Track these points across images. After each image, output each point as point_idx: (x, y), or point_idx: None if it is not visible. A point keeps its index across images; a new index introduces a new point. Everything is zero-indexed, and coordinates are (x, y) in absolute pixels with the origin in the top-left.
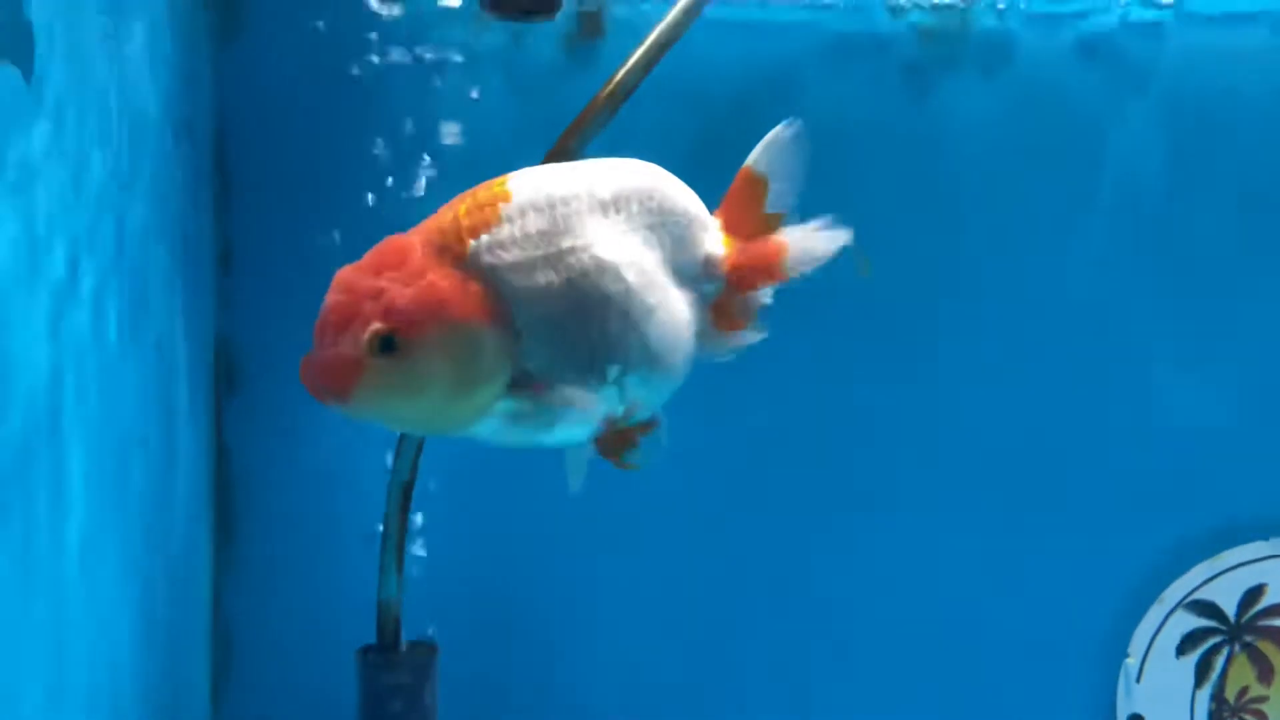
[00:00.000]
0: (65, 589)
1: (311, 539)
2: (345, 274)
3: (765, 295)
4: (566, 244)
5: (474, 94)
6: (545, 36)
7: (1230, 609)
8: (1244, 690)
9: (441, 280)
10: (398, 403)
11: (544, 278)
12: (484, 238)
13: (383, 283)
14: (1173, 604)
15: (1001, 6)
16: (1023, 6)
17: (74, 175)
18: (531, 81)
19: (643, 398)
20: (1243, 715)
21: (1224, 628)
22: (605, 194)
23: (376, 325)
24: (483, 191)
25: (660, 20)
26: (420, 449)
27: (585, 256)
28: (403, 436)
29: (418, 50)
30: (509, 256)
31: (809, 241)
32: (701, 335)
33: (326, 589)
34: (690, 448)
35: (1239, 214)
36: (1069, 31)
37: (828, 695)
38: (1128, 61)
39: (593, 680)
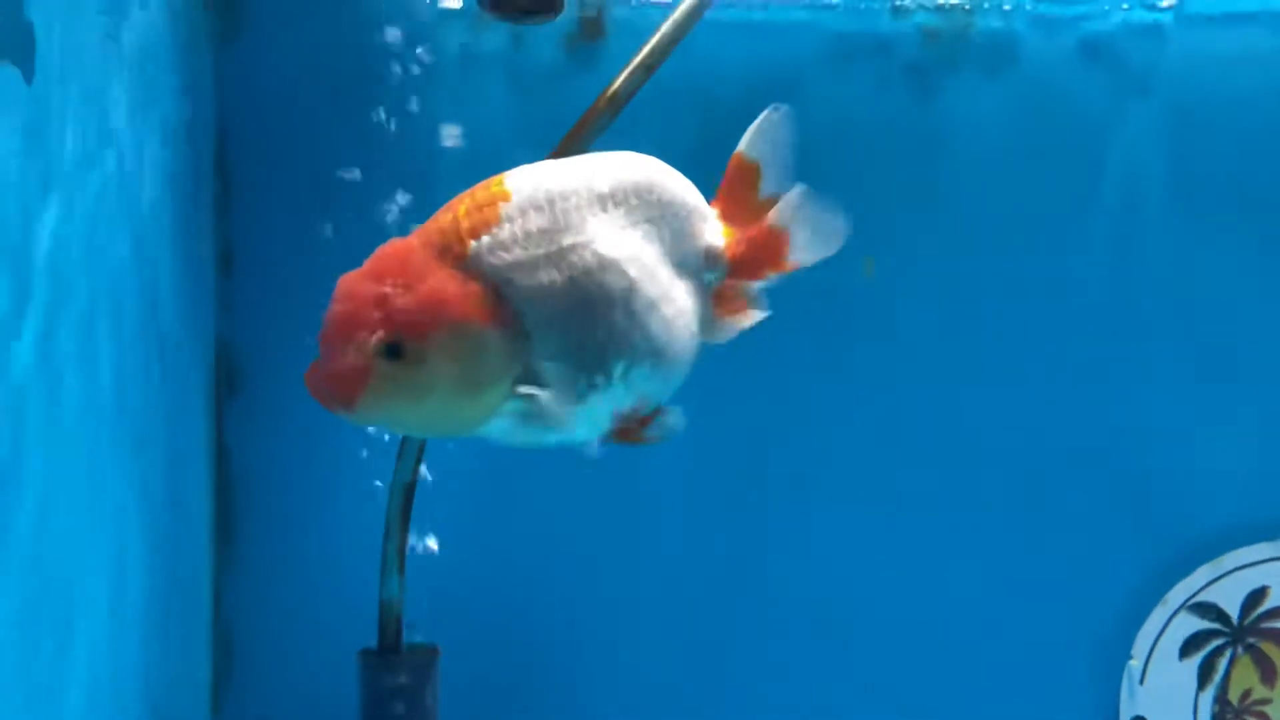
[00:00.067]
0: (65, 589)
1: (312, 540)
2: (347, 281)
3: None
4: (568, 241)
5: (475, 96)
6: (546, 38)
7: (1233, 611)
8: (1247, 692)
9: (443, 283)
10: (405, 408)
11: (546, 276)
12: (484, 238)
13: (385, 288)
14: (1176, 606)
15: (1007, 8)
16: (1025, 8)
17: (74, 176)
18: (532, 83)
19: (650, 390)
20: (1246, 717)
21: (1227, 630)
22: (604, 188)
23: (380, 332)
24: (481, 191)
25: (662, 22)
26: (422, 450)
27: (587, 253)
28: (404, 437)
29: (418, 51)
30: (510, 256)
31: (815, 233)
32: (704, 321)
33: (327, 590)
34: (691, 448)
35: (1240, 215)
36: (1070, 33)
37: (830, 697)
38: (1129, 63)
39: (594, 681)
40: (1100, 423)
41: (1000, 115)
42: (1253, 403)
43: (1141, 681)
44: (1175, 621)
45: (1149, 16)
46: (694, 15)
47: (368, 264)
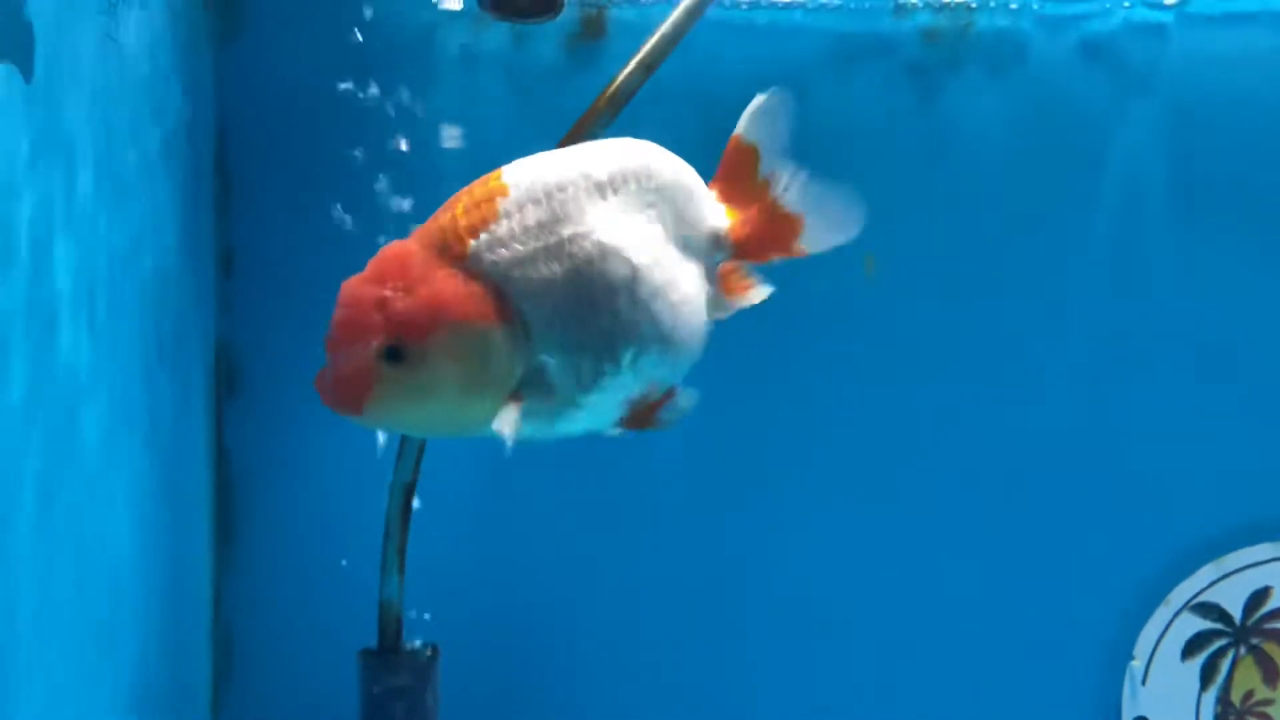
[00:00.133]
0: (66, 590)
1: (312, 541)
2: (349, 286)
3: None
4: (567, 232)
5: (476, 95)
6: (546, 37)
7: (1236, 611)
8: (1250, 693)
9: (443, 283)
10: (411, 409)
11: (548, 269)
12: (483, 236)
13: (385, 292)
14: (1178, 606)
15: (1013, 7)
16: (1026, 8)
17: (73, 177)
18: (533, 82)
19: (660, 376)
20: (1248, 718)
21: (1230, 630)
22: (602, 176)
23: (382, 336)
24: (479, 188)
25: (661, 21)
26: (422, 450)
27: (587, 243)
28: (404, 437)
29: (419, 51)
30: (510, 252)
31: (829, 221)
32: (709, 301)
33: (327, 590)
34: (692, 447)
35: (1242, 214)
36: (1072, 32)
37: (830, 697)
38: (1130, 62)
39: (594, 681)
40: (1102, 422)
41: (1001, 114)
42: (1255, 402)
43: (1144, 682)
44: (1178, 622)
45: (1151, 16)
46: (694, 14)
47: (369, 268)
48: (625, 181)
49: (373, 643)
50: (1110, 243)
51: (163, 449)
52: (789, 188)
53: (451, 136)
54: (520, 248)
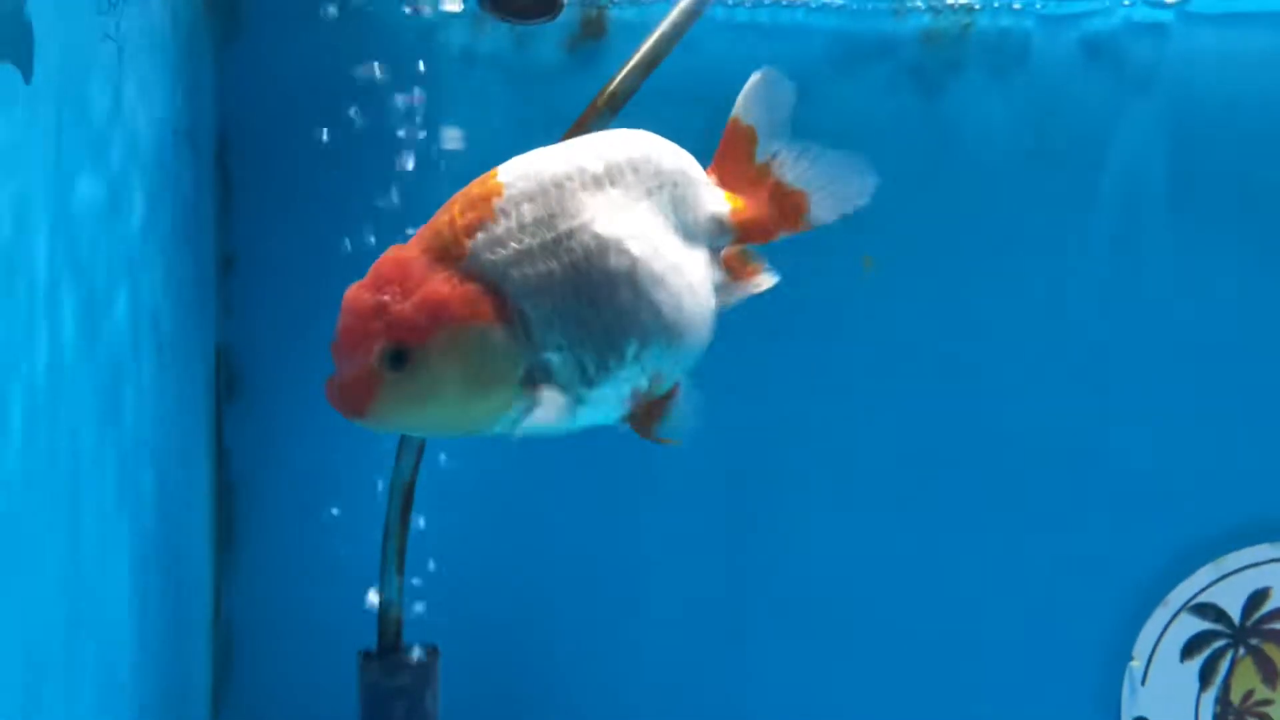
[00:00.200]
0: (66, 592)
1: (312, 542)
2: (350, 294)
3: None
4: (564, 228)
5: (476, 96)
6: (547, 38)
7: (1235, 612)
8: (1249, 693)
9: (441, 286)
10: (417, 412)
11: (546, 266)
12: (480, 236)
13: (385, 297)
14: (1177, 607)
15: (1016, 7)
16: (1026, 7)
17: (74, 179)
18: (533, 83)
19: (666, 368)
20: (1248, 718)
21: (1229, 631)
22: (598, 169)
23: (383, 341)
24: (475, 188)
25: (661, 21)
26: (421, 451)
27: (585, 237)
28: (403, 439)
29: (420, 51)
30: (508, 251)
31: (834, 189)
32: (716, 289)
33: (327, 592)
34: (692, 448)
35: (1243, 214)
36: (1072, 31)
37: (830, 698)
38: (1131, 62)
39: (595, 682)
40: (1101, 422)
41: (1002, 114)
42: (1254, 403)
43: (1143, 683)
44: (1177, 622)
45: (1151, 15)
46: (694, 14)
47: (369, 275)
48: (622, 173)
49: (372, 644)
50: (1110, 242)
51: (163, 451)
52: (790, 164)
53: (452, 137)
54: (518, 246)
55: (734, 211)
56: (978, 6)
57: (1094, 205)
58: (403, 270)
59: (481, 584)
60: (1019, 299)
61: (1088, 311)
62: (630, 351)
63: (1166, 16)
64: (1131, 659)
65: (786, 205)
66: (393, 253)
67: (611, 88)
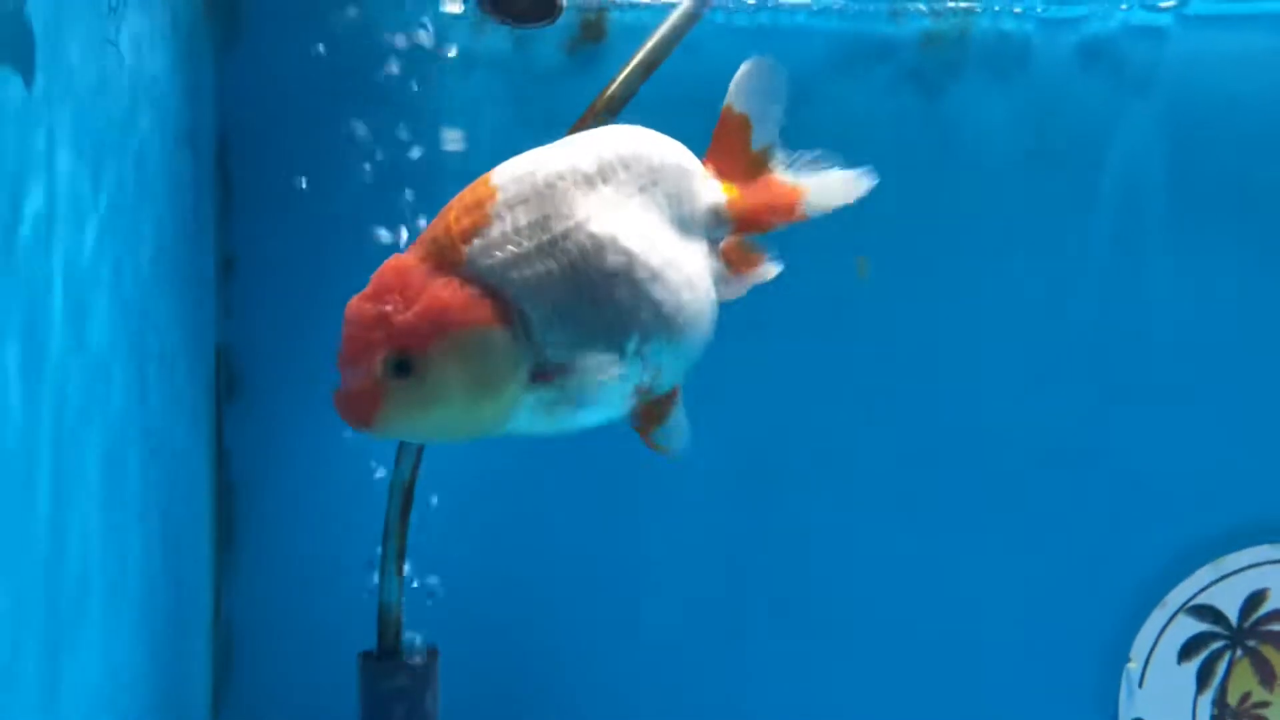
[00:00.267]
0: (66, 592)
1: (312, 543)
2: (352, 306)
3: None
4: (560, 228)
5: (476, 99)
6: (547, 40)
7: (1232, 614)
8: (1246, 695)
9: (441, 292)
10: (423, 418)
11: (544, 267)
12: (476, 241)
13: (386, 307)
14: (1175, 608)
15: (1017, 11)
16: (1025, 10)
17: (74, 182)
18: (533, 85)
19: (668, 362)
20: None
21: (1226, 632)
22: (590, 168)
23: (385, 351)
24: (470, 194)
25: (660, 24)
26: (421, 453)
27: (581, 236)
28: (402, 441)
29: (420, 54)
30: (505, 254)
31: (830, 188)
32: (717, 281)
33: (327, 593)
34: (692, 451)
35: (1241, 215)
36: (1071, 34)
37: (829, 699)
38: (1129, 64)
39: (595, 684)
40: (1100, 424)
41: (1001, 117)
42: (1252, 405)
43: (1140, 684)
44: (1174, 624)
45: (1150, 18)
46: (693, 17)
47: (369, 285)
48: (614, 170)
49: (372, 644)
50: (1109, 243)
51: (163, 452)
52: (786, 154)
53: (452, 139)
54: (514, 249)
55: (730, 202)
56: (979, 10)
57: (1093, 206)
58: (402, 279)
59: (481, 585)
60: (1018, 300)
61: (1086, 312)
62: (631, 347)
63: (1164, 19)
64: (1129, 660)
65: (781, 196)
66: (392, 262)
67: (611, 90)
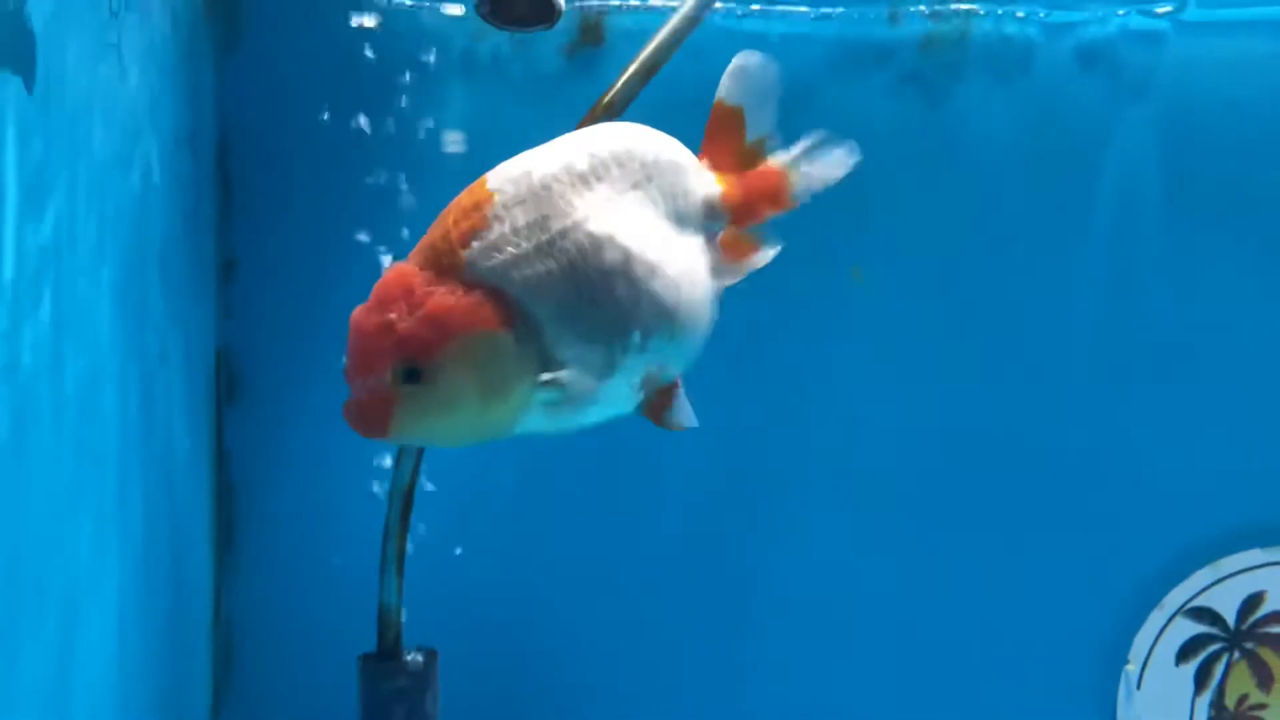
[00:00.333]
0: (66, 594)
1: (312, 545)
2: (356, 317)
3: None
4: (557, 228)
5: (476, 102)
6: (547, 44)
7: (1230, 616)
8: (1244, 697)
9: (444, 298)
10: (436, 424)
11: (543, 266)
12: (475, 245)
13: (390, 316)
14: (1173, 610)
15: (1021, 15)
16: (1022, 15)
17: (76, 185)
18: (533, 89)
19: (671, 354)
20: None
21: (1224, 635)
22: (583, 166)
23: (393, 360)
24: (466, 198)
25: (659, 28)
26: (420, 455)
27: (579, 235)
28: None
29: (419, 59)
30: (505, 256)
31: (815, 166)
32: (715, 271)
33: (327, 595)
34: (692, 452)
35: (1239, 219)
36: (1068, 39)
37: (828, 700)
38: (1127, 69)
39: (595, 685)
40: (1098, 427)
41: (999, 122)
42: (1250, 407)
43: (1138, 686)
44: (1172, 626)
45: (1147, 24)
46: (693, 21)
47: (372, 295)
48: (608, 167)
49: (372, 646)
50: (1106, 247)
51: (163, 454)
52: (777, 143)
53: (452, 142)
54: (514, 250)
55: (724, 194)
56: (982, 13)
57: (1091, 209)
58: (404, 286)
59: (481, 586)
60: (1017, 302)
61: (1084, 315)
62: (635, 341)
63: (1162, 25)
64: (1127, 662)
65: (769, 183)
66: (393, 271)
67: (610, 94)
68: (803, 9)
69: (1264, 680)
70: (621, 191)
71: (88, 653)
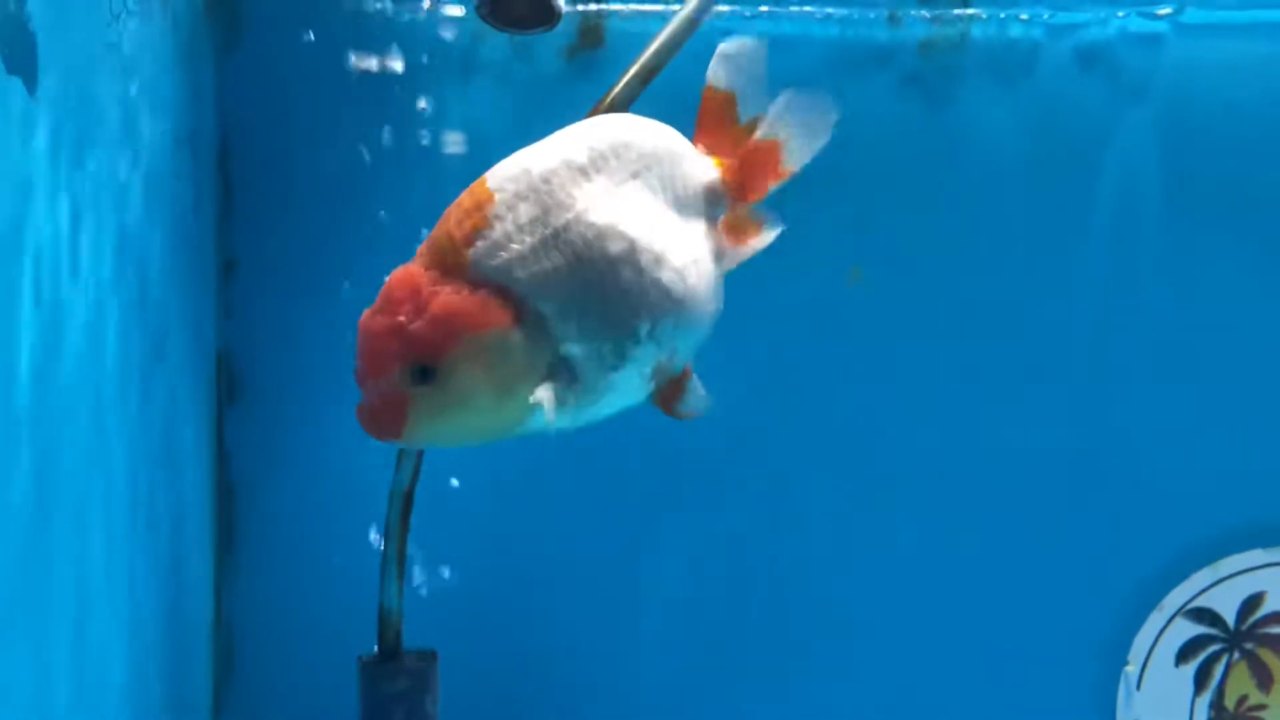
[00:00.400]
0: (67, 594)
1: (313, 547)
2: (365, 320)
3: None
4: (559, 222)
5: (476, 103)
6: (546, 46)
7: (1230, 616)
8: (1243, 698)
9: (452, 298)
10: (450, 424)
11: (549, 261)
12: (479, 244)
13: (398, 318)
14: (1172, 611)
15: (1025, 18)
16: (1022, 17)
17: (76, 185)
18: (532, 91)
19: (681, 342)
20: None
21: (1223, 635)
22: (582, 159)
23: (404, 362)
24: (467, 198)
25: (659, 31)
26: (421, 457)
27: (581, 228)
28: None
29: (420, 60)
30: (509, 253)
31: (804, 131)
32: (719, 256)
33: (328, 597)
34: (689, 453)
35: (1238, 221)
36: (1068, 41)
37: (829, 702)
38: (1126, 71)
39: (595, 687)
40: (1098, 427)
41: (998, 122)
42: (1250, 407)
43: (1138, 687)
44: (1172, 627)
45: (1147, 26)
46: (692, 24)
47: (379, 298)
48: (606, 159)
49: (372, 647)
50: (1106, 247)
51: (163, 454)
52: (767, 119)
53: (452, 143)
54: (518, 247)
55: (723, 176)
56: (984, 16)
57: (1091, 211)
58: (411, 289)
59: (481, 588)
60: (1017, 303)
61: (1085, 315)
62: (643, 331)
63: (1161, 27)
64: (1126, 663)
65: (764, 155)
66: (398, 273)
67: (610, 97)
68: (808, 8)
69: (1264, 681)
70: (621, 182)
71: (88, 653)
